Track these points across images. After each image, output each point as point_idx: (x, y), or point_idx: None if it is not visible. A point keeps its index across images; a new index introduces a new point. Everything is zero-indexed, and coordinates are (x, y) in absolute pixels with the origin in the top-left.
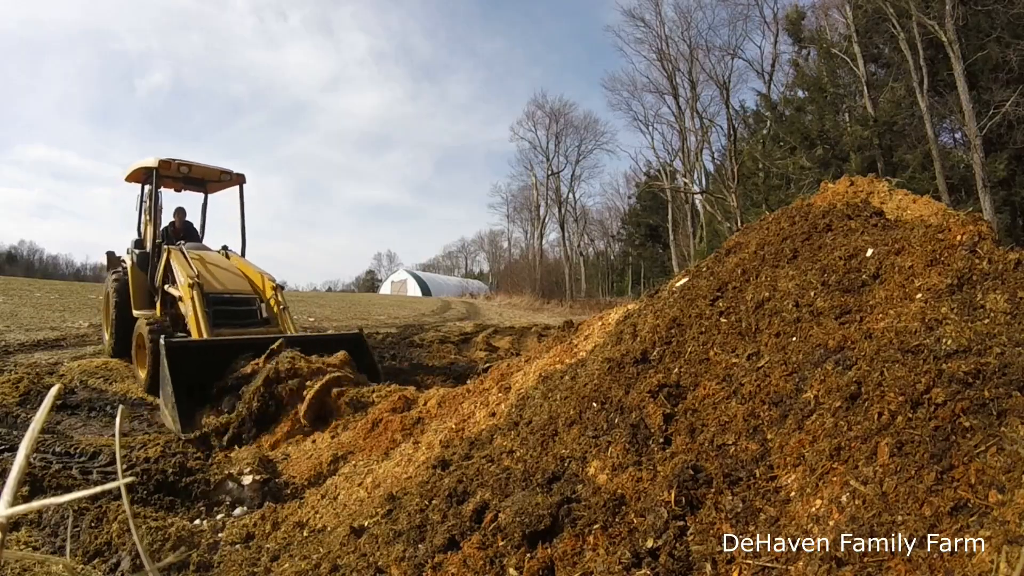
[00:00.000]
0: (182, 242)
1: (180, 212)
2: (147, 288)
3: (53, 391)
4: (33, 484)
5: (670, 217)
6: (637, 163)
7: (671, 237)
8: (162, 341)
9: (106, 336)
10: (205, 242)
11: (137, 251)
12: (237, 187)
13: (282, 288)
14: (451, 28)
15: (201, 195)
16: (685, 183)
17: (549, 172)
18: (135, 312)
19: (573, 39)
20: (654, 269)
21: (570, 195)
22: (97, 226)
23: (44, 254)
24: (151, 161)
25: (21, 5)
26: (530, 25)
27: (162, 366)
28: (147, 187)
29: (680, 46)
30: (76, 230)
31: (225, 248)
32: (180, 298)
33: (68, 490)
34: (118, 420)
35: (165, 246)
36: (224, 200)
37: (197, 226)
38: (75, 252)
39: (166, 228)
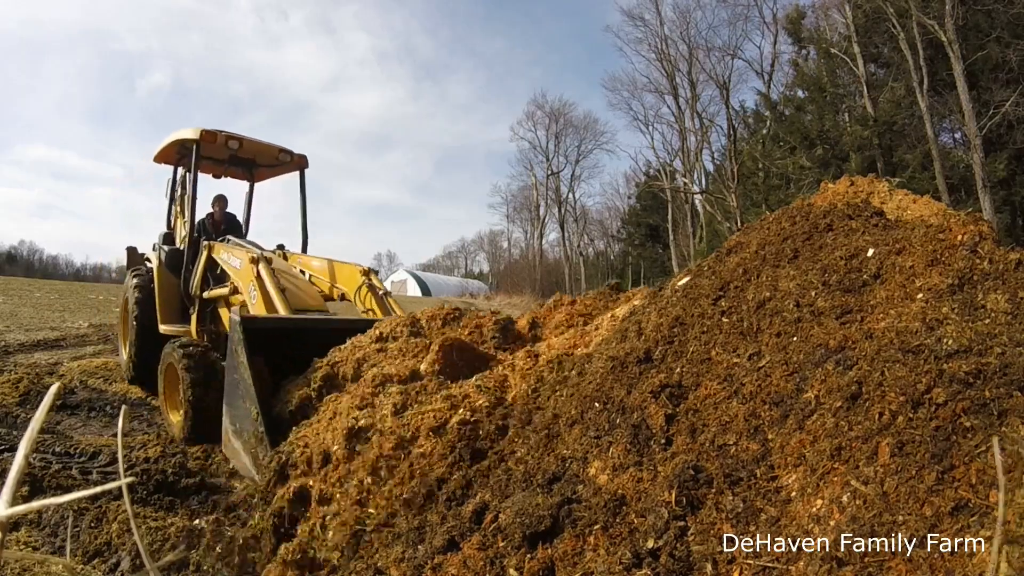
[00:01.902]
0: (229, 238)
1: (221, 201)
2: (178, 296)
3: (53, 390)
4: (33, 484)
5: (670, 217)
6: (637, 163)
7: (671, 237)
8: (237, 318)
9: (123, 354)
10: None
11: (166, 248)
12: (296, 172)
13: (375, 272)
14: (452, 28)
15: (241, 183)
16: (685, 183)
17: (549, 172)
18: (162, 327)
19: (573, 39)
20: (654, 269)
21: (570, 195)
22: (97, 226)
23: (44, 254)
24: (190, 132)
25: (21, 5)
26: (530, 25)
27: (237, 360)
28: (180, 168)
29: (680, 46)
30: (76, 230)
31: (282, 247)
32: (230, 294)
33: (68, 490)
34: (120, 420)
35: (205, 241)
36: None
37: (240, 220)
38: (75, 252)
39: (203, 220)
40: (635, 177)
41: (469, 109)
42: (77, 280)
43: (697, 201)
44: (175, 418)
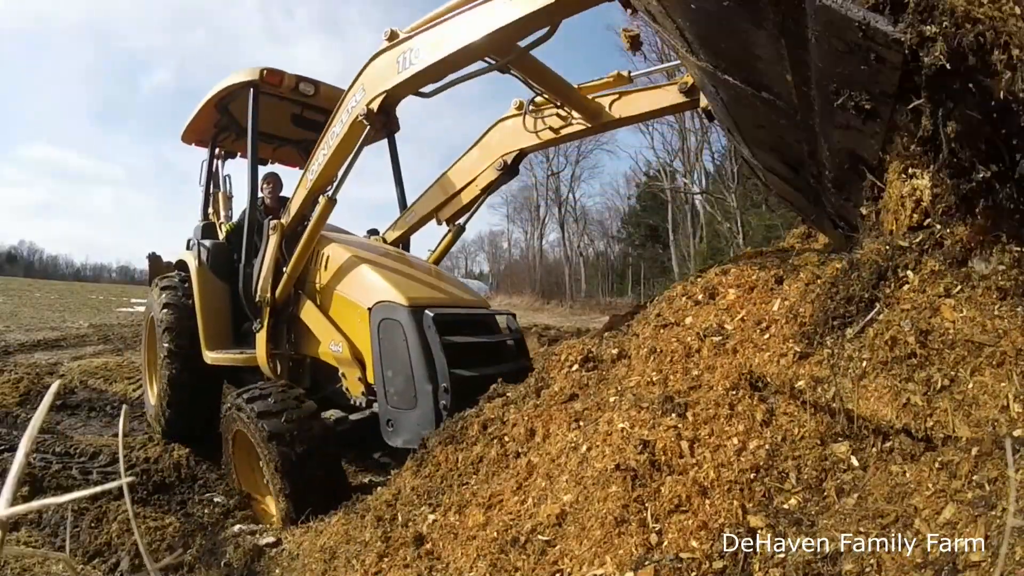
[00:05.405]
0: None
1: (273, 181)
2: (229, 307)
3: (53, 388)
4: (33, 484)
5: (670, 217)
6: (637, 163)
7: (671, 237)
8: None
9: (150, 395)
10: None
11: (207, 243)
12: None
13: None
14: None
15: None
16: (685, 183)
17: (549, 172)
18: (209, 356)
19: (574, 38)
20: (654, 269)
21: (570, 195)
22: (97, 226)
23: (44, 254)
24: (243, 75)
25: (24, 1)
26: None
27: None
28: (219, 148)
29: None
30: (76, 230)
31: (376, 232)
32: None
33: (68, 490)
34: (122, 420)
35: (272, 221)
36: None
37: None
38: (75, 252)
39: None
40: (635, 177)
41: (474, 107)
42: (77, 280)
43: (697, 201)
44: (267, 510)
